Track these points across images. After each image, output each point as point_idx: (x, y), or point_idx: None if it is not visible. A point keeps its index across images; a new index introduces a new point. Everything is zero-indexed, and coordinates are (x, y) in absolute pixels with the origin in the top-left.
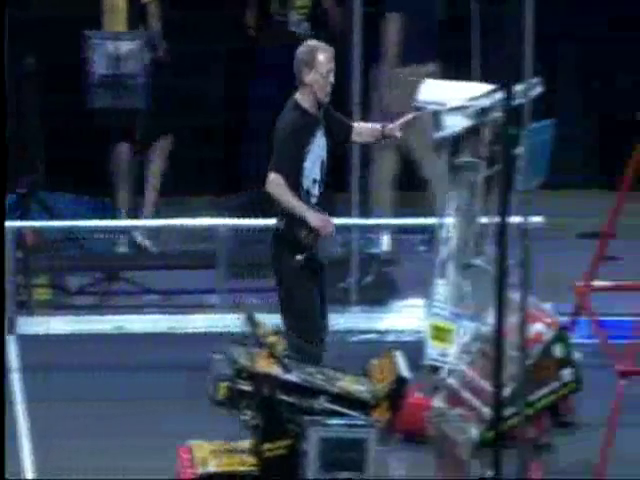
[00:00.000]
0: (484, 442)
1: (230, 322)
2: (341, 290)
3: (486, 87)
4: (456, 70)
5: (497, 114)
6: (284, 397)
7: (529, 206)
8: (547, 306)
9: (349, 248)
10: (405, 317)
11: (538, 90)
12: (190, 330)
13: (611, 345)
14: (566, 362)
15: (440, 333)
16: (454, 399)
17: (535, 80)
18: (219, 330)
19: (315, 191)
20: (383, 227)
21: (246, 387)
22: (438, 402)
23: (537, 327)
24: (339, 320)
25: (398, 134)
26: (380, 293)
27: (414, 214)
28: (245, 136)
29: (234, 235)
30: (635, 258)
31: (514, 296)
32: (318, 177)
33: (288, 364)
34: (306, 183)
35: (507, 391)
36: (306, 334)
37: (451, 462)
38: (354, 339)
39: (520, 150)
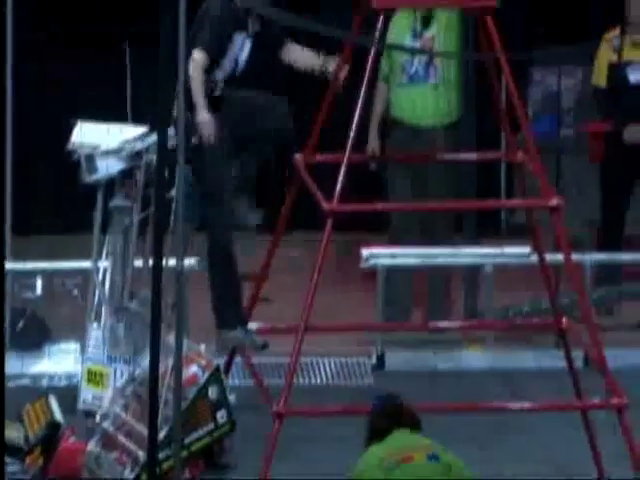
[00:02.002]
0: None
1: None
2: None
3: (140, 130)
4: (111, 112)
5: (151, 156)
6: None
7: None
8: (202, 347)
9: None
10: (59, 361)
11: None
12: None
13: (266, 386)
14: (221, 404)
15: (94, 377)
16: (109, 443)
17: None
18: None
19: (222, 84)
20: (37, 271)
21: None
22: (93, 446)
23: (192, 369)
24: None
25: (330, 69)
26: (33, 337)
27: (68, 258)
28: None
29: None
30: (286, 299)
31: (169, 338)
32: (228, 74)
33: None
34: (219, 74)
35: (162, 434)
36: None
37: None
38: (8, 384)
39: (173, 193)
